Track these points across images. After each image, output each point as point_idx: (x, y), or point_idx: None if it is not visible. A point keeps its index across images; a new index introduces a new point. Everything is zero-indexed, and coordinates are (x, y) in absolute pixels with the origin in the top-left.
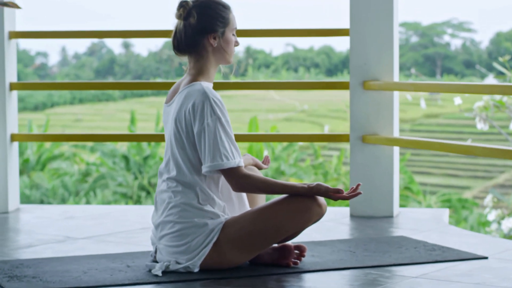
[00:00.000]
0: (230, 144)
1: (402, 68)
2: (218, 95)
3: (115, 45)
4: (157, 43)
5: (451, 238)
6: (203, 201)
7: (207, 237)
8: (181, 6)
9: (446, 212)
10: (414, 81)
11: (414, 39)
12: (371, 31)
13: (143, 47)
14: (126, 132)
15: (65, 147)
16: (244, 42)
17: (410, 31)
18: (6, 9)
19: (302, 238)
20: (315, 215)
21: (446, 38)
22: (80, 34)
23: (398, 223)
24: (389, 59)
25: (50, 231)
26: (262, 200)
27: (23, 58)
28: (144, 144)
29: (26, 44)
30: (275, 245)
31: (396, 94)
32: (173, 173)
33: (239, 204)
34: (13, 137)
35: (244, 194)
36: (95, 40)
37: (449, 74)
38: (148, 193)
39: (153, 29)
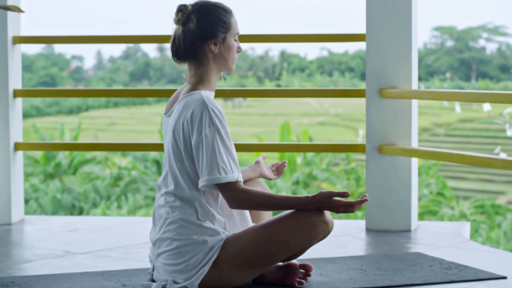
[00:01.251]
0: (228, 157)
1: (437, 72)
2: (218, 105)
3: (150, 49)
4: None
5: (470, 255)
6: (202, 217)
7: (206, 255)
8: (179, 10)
9: (467, 226)
10: (431, 89)
11: (450, 43)
12: (389, 36)
13: None
14: (155, 137)
15: (97, 151)
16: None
17: (445, 35)
18: (9, 13)
19: (311, 254)
20: (321, 232)
21: (482, 42)
22: (83, 39)
23: (415, 238)
24: (407, 65)
25: (50, 245)
26: (268, 215)
27: (59, 62)
28: None
29: (61, 48)
30: (280, 263)
31: (415, 102)
32: (171, 187)
33: (241, 220)
34: (17, 146)
35: (246, 210)
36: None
37: (484, 78)
38: None
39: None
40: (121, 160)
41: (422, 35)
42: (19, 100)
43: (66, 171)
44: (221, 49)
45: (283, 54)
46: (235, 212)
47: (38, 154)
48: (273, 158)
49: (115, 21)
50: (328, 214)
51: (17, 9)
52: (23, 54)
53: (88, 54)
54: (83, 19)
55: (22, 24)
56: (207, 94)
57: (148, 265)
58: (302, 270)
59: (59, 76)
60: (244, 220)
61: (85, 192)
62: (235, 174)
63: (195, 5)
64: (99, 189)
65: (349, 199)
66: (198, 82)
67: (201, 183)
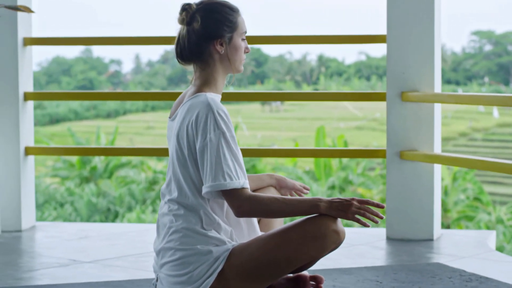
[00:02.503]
0: (234, 162)
1: (475, 77)
2: (224, 107)
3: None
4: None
5: (493, 266)
6: (207, 226)
7: (211, 266)
8: (183, 9)
9: (492, 235)
10: (454, 93)
11: (488, 47)
12: (410, 37)
13: None
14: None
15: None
16: (313, 50)
17: (484, 39)
18: (20, 14)
19: (327, 264)
20: (332, 243)
21: None
22: (96, 41)
23: (437, 247)
24: (430, 67)
25: (57, 253)
26: (279, 223)
27: (97, 66)
28: None
29: (100, 52)
30: (290, 274)
31: (438, 106)
32: (175, 194)
33: (249, 229)
34: (28, 151)
35: (254, 218)
36: (168, 47)
37: None
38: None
39: None
40: (157, 164)
41: (460, 39)
42: (30, 103)
43: (102, 175)
44: (227, 49)
45: (321, 59)
46: (243, 220)
47: (74, 158)
48: (308, 162)
49: (118, 23)
50: (339, 223)
51: (27, 9)
52: (61, 58)
53: (126, 58)
54: (91, 21)
55: (34, 25)
56: (213, 96)
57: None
58: (313, 282)
59: (97, 80)
60: (252, 229)
61: (120, 196)
62: (241, 181)
63: (199, 4)
64: (134, 193)
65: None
66: (204, 84)
67: (204, 189)
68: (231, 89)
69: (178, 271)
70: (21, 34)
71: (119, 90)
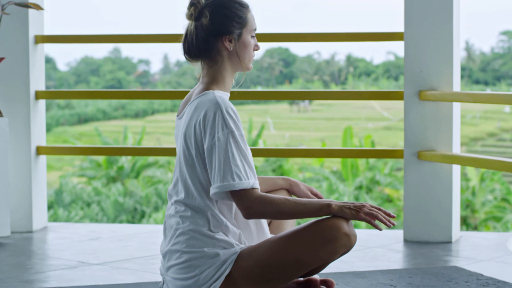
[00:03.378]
0: (243, 162)
1: (504, 77)
2: (232, 105)
3: None
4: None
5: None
6: (215, 228)
7: (218, 270)
8: (192, 4)
9: None
10: (472, 92)
11: None
12: (428, 34)
13: None
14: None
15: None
16: (341, 50)
17: None
18: (31, 12)
19: (340, 267)
20: (342, 246)
21: None
22: (108, 38)
23: (456, 250)
24: (448, 66)
25: (67, 254)
26: (290, 225)
27: (126, 66)
28: None
29: (128, 52)
30: (300, 278)
31: (456, 105)
32: (181, 195)
33: (258, 232)
34: (39, 150)
35: (263, 220)
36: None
37: None
38: None
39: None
40: None
41: (489, 39)
42: (41, 102)
43: (129, 174)
44: (236, 46)
45: (349, 58)
46: (252, 222)
47: (101, 157)
48: (336, 162)
49: (123, 21)
50: (351, 226)
51: (37, 7)
52: (90, 58)
53: (155, 58)
54: (96, 19)
55: (46, 23)
56: (221, 94)
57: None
58: (324, 286)
59: (126, 80)
60: (261, 231)
61: (147, 195)
62: (251, 181)
63: None
64: (161, 192)
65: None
66: (212, 82)
67: (212, 190)
68: (259, 88)
69: (185, 274)
70: (32, 31)
71: (147, 90)
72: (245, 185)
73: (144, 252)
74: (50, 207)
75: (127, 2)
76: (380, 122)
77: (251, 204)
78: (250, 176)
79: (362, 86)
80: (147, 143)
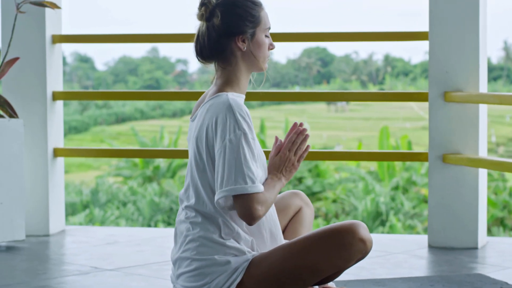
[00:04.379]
0: (256, 165)
1: None
2: (245, 108)
3: None
4: (295, 51)
5: None
6: (226, 235)
7: (229, 278)
8: (202, 4)
9: None
10: (499, 93)
11: None
12: (454, 33)
13: (282, 54)
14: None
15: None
16: (379, 50)
17: None
18: (48, 11)
19: (360, 274)
20: (357, 252)
21: None
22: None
23: (482, 256)
24: (474, 66)
25: (81, 259)
26: (307, 230)
27: (164, 65)
28: None
29: (166, 51)
30: (316, 286)
31: (483, 107)
32: (192, 200)
33: (271, 238)
34: (57, 152)
35: (277, 226)
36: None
37: None
38: None
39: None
40: None
41: None
42: (59, 103)
43: (165, 174)
44: (250, 46)
45: (387, 58)
46: (265, 229)
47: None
48: (372, 162)
49: (134, 20)
50: (365, 231)
51: (53, 5)
52: (128, 58)
53: (193, 58)
54: (107, 19)
55: (64, 22)
56: (235, 96)
57: None
58: None
59: (164, 79)
60: (274, 238)
61: None
62: (262, 186)
63: None
64: None
65: None
66: (226, 83)
67: (220, 194)
68: (297, 89)
69: (195, 283)
70: (49, 31)
71: (185, 89)
72: (259, 188)
73: (160, 257)
74: (86, 206)
75: (141, 2)
76: (418, 122)
77: (261, 207)
78: (261, 180)
79: (400, 86)
80: (183, 143)
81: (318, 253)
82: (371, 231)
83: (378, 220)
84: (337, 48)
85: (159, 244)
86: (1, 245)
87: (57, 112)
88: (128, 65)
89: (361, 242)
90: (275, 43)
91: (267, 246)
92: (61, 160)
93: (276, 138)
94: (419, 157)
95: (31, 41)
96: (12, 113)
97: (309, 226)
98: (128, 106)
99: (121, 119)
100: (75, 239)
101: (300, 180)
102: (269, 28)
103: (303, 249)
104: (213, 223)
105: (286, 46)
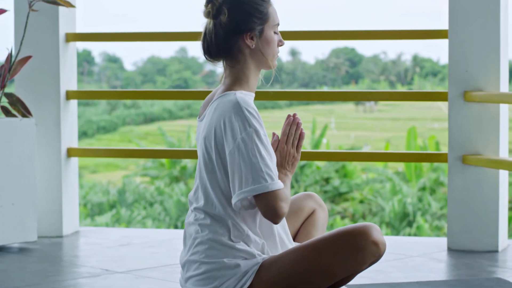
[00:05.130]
0: (272, 162)
1: None
2: (253, 105)
3: (282, 53)
4: (324, 51)
5: None
6: (236, 238)
7: (238, 281)
8: (209, 2)
9: None
10: None
11: None
12: (474, 31)
13: (310, 54)
14: None
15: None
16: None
17: None
18: (62, 9)
19: (376, 277)
20: (370, 255)
21: None
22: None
23: (502, 260)
24: (495, 65)
25: (92, 261)
26: (320, 233)
27: (192, 65)
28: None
29: (195, 51)
30: None
31: (504, 107)
32: (201, 202)
33: (283, 241)
34: (70, 152)
35: (287, 229)
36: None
37: None
38: None
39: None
40: None
41: None
42: (73, 102)
43: (192, 174)
44: (258, 43)
45: (415, 58)
46: (276, 231)
47: None
48: (400, 163)
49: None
50: (378, 233)
51: (67, 4)
52: (156, 58)
53: None
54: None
55: (78, 20)
56: (243, 95)
57: None
58: None
59: (192, 79)
60: (287, 241)
61: None
62: (280, 182)
63: None
64: None
65: None
66: (234, 82)
67: (240, 195)
68: (325, 89)
69: (204, 286)
70: (63, 29)
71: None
72: (279, 184)
73: (173, 259)
74: (112, 206)
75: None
76: (446, 123)
77: (284, 204)
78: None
79: (429, 86)
80: None
81: (330, 256)
82: (397, 232)
83: (405, 221)
84: (365, 49)
85: (174, 246)
86: (13, 246)
87: (71, 112)
88: (156, 65)
89: (374, 245)
90: (299, 42)
91: (278, 249)
92: (75, 160)
93: (273, 134)
94: (439, 158)
95: (45, 40)
96: (25, 112)
97: (323, 229)
98: (156, 106)
99: (150, 119)
100: (88, 241)
101: (327, 180)
102: (278, 25)
103: (315, 252)
104: (222, 225)
105: (314, 47)
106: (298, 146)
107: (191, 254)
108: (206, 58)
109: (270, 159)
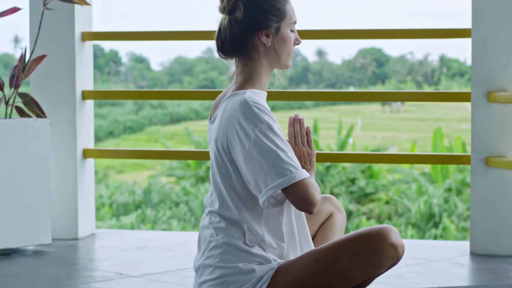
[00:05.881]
0: (292, 152)
1: None
2: (264, 103)
3: (309, 53)
4: (350, 51)
5: None
6: (251, 242)
7: (253, 287)
8: None
9: None
10: None
11: None
12: (498, 30)
13: (336, 55)
14: None
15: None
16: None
17: None
18: (78, 8)
19: (398, 283)
20: (388, 258)
21: None
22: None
23: None
24: None
25: (107, 265)
26: (337, 235)
27: (219, 66)
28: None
29: None
30: None
31: None
32: (216, 205)
33: (302, 243)
34: (86, 153)
35: (307, 231)
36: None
37: None
38: None
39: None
40: None
41: None
42: (89, 102)
43: None
44: (274, 41)
45: (442, 59)
46: (297, 233)
47: None
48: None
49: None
50: (396, 235)
51: (82, 2)
52: (183, 58)
53: None
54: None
55: (94, 19)
56: (253, 93)
57: None
58: None
59: (219, 80)
60: (306, 243)
61: None
62: (305, 171)
63: None
64: None
65: None
66: (246, 80)
67: (268, 192)
68: (351, 89)
69: None
70: (79, 28)
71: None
72: (304, 174)
73: (189, 263)
74: (138, 206)
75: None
76: None
77: (314, 192)
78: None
79: (455, 86)
80: None
81: (347, 260)
82: (423, 233)
83: (431, 222)
84: (392, 49)
85: (191, 250)
86: (27, 249)
87: (87, 112)
88: (183, 65)
89: (392, 248)
90: (326, 41)
91: (297, 252)
92: (91, 161)
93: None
94: (461, 160)
95: (60, 39)
96: (39, 113)
97: (340, 232)
98: (183, 106)
99: (176, 119)
100: (104, 243)
101: (353, 181)
102: (295, 22)
103: (331, 255)
104: (237, 229)
105: (341, 47)
106: (308, 142)
107: (205, 258)
108: (219, 55)
109: (290, 150)
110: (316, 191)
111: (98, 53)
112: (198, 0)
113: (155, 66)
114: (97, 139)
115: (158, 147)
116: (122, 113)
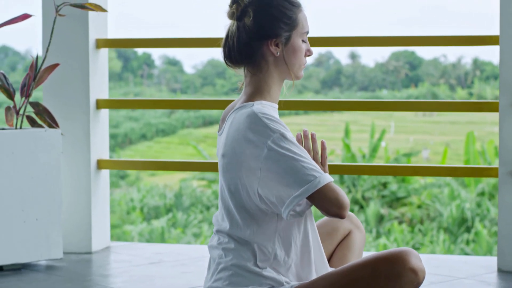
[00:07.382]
0: (309, 158)
1: None
2: (272, 112)
3: (342, 55)
4: (383, 54)
5: None
6: (262, 263)
7: None
8: (234, 2)
9: None
10: None
11: None
12: None
13: (369, 58)
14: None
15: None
16: (468, 53)
17: None
18: (91, 14)
19: None
20: (408, 283)
21: None
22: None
23: None
24: None
25: (118, 281)
26: (355, 257)
27: None
28: (360, 156)
29: None
30: None
31: None
32: (225, 224)
33: (316, 264)
34: (100, 164)
35: (323, 252)
36: (323, 50)
37: None
38: (361, 207)
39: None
40: None
41: None
42: (104, 111)
43: None
44: (283, 51)
45: (475, 62)
46: (316, 254)
47: None
48: None
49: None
50: (417, 259)
51: (97, 8)
52: (216, 61)
53: None
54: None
55: (110, 26)
56: (262, 105)
57: None
58: None
59: None
60: (322, 264)
61: None
62: (328, 175)
63: None
64: None
65: None
66: (255, 92)
67: (293, 201)
68: (384, 92)
69: None
70: (93, 35)
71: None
72: (328, 177)
73: (203, 280)
74: (169, 210)
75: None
76: None
77: (343, 194)
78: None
79: (489, 89)
80: None
81: (365, 284)
82: (455, 237)
83: (463, 226)
84: (425, 52)
85: (206, 265)
86: (39, 264)
87: (102, 121)
88: (216, 68)
89: (412, 272)
90: (359, 48)
91: (312, 274)
92: (105, 172)
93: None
94: (489, 172)
95: (74, 46)
96: (51, 123)
97: (359, 252)
98: (215, 110)
99: (208, 122)
100: (117, 258)
101: (384, 185)
102: (307, 32)
103: (348, 279)
104: (247, 250)
105: (374, 50)
106: (323, 159)
107: (214, 281)
108: (226, 63)
109: (308, 156)
110: (343, 194)
111: (131, 56)
112: (212, 7)
113: (188, 69)
114: (130, 142)
115: (190, 150)
116: (154, 116)
